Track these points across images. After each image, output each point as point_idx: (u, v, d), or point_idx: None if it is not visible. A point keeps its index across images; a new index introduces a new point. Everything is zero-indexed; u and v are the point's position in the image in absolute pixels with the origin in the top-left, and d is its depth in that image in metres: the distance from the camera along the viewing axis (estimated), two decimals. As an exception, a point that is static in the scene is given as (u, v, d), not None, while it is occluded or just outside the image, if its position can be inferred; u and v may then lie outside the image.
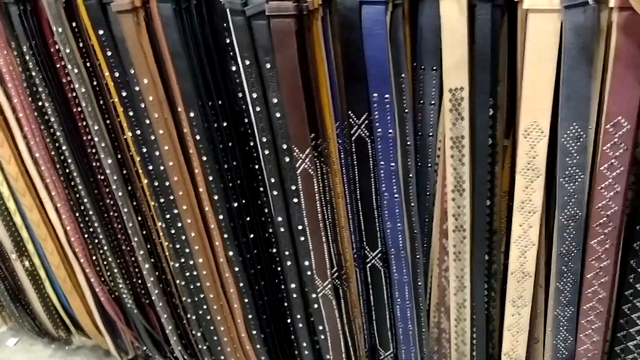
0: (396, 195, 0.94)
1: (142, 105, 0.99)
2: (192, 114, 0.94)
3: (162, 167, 1.03)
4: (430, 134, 0.91)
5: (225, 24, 0.88)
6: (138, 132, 1.03)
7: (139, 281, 1.33)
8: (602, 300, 0.87)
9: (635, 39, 0.67)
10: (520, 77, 0.77)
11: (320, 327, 1.13)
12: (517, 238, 0.89)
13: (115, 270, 1.31)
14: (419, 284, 1.05)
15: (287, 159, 0.92)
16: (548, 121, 0.77)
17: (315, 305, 1.09)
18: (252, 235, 1.09)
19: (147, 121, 1.00)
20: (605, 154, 0.75)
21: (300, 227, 0.99)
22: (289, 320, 1.20)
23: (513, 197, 0.87)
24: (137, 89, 0.97)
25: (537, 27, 0.72)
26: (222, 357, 1.30)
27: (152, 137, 1.01)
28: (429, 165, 0.94)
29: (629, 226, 0.82)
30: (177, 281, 1.22)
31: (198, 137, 0.96)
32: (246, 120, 0.97)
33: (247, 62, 0.86)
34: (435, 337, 1.13)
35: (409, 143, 0.91)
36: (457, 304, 1.02)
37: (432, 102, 0.88)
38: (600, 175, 0.77)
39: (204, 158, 0.98)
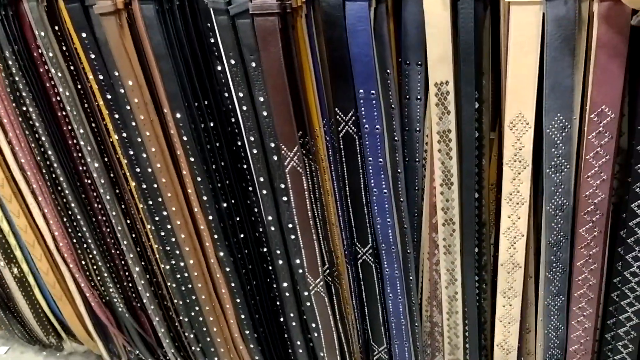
0: (385, 191, 0.95)
1: (128, 108, 0.98)
2: (178, 115, 0.93)
3: (149, 169, 1.03)
4: (417, 128, 0.91)
5: (209, 24, 0.87)
6: (124, 134, 1.02)
7: (130, 285, 1.32)
8: (592, 287, 0.88)
9: (616, 28, 0.67)
10: (504, 69, 0.78)
11: (314, 325, 1.13)
12: (506, 229, 0.89)
13: (105, 275, 1.30)
14: (410, 278, 1.05)
15: (275, 158, 0.92)
16: (533, 113, 0.78)
17: (308, 303, 1.09)
18: (242, 235, 1.08)
19: (133, 123, 0.99)
20: (590, 143, 0.76)
21: (290, 226, 0.99)
22: (281, 319, 1.20)
23: (500, 189, 0.87)
24: (122, 91, 0.97)
25: (520, 19, 0.73)
26: (216, 358, 1.30)
27: (139, 139, 1.00)
28: (417, 160, 0.94)
29: (615, 215, 0.83)
30: (168, 283, 1.22)
31: (185, 138, 0.95)
32: (233, 120, 0.96)
33: (232, 62, 0.86)
34: (427, 330, 1.14)
35: (396, 138, 0.91)
36: (448, 297, 1.03)
37: (418, 97, 0.88)
38: (586, 164, 0.78)
39: (192, 159, 0.98)
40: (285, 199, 0.96)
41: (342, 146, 0.93)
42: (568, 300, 0.91)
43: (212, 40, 0.89)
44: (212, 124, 0.96)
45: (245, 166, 1.01)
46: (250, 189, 1.03)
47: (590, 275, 0.87)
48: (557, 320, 0.95)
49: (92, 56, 0.96)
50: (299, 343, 1.19)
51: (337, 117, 0.90)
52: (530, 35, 0.73)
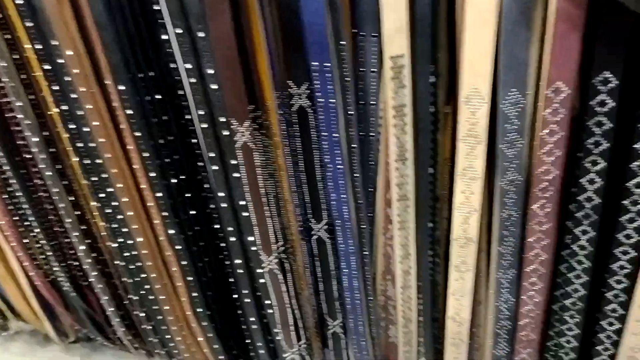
0: (340, 166, 0.93)
1: (68, 79, 0.92)
2: (121, 87, 0.88)
3: (92, 144, 0.97)
4: (372, 102, 0.89)
5: (153, -10, 0.82)
6: (64, 107, 0.96)
7: (75, 263, 1.27)
8: (544, 262, 0.89)
9: (575, 2, 0.67)
10: (460, 43, 0.77)
11: (268, 302, 1.12)
12: (460, 205, 0.89)
13: (49, 253, 1.25)
14: (365, 253, 1.05)
15: (226, 133, 0.88)
16: (488, 87, 0.77)
17: (262, 280, 1.08)
18: (193, 212, 1.05)
19: (74, 95, 0.93)
20: (545, 119, 0.76)
21: (242, 203, 0.96)
22: (235, 296, 1.18)
23: (455, 164, 0.87)
24: (60, 61, 0.90)
25: (477, -9, 0.71)
26: (168, 336, 1.27)
27: (80, 113, 0.95)
28: (372, 134, 0.93)
29: (565, 189, 0.84)
30: (116, 262, 1.18)
31: (130, 112, 0.90)
32: (181, 93, 0.92)
33: (179, 31, 0.81)
34: (382, 304, 1.14)
35: (351, 112, 0.89)
36: (402, 272, 1.03)
37: (373, 69, 0.86)
38: (541, 141, 0.78)
39: (138, 133, 0.93)
40: (236, 175, 0.93)
41: (295, 120, 0.91)
42: (519, 274, 0.93)
43: (157, 7, 0.83)
44: (158, 97, 0.91)
45: (195, 140, 0.97)
46: (201, 164, 1.00)
47: (542, 251, 0.88)
48: (508, 293, 0.97)
49: (28, 24, 0.89)
50: (252, 319, 1.17)
51: (290, 90, 0.87)
52: (487, 8, 0.71)
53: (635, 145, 0.73)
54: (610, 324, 0.92)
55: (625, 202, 0.78)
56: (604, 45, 0.68)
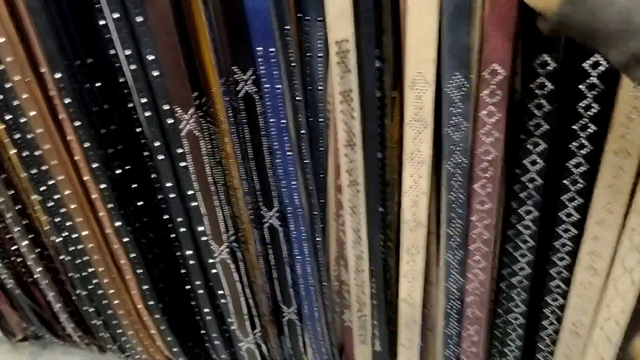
0: (289, 153, 0.92)
1: (1, 67, 0.88)
2: (58, 75, 0.85)
3: (30, 135, 0.94)
4: (320, 87, 0.88)
5: (87, -28, 0.79)
6: (-1, 97, 0.92)
7: (19, 259, 1.23)
8: (486, 241, 0.91)
9: (510, -15, 0.67)
10: (404, 28, 0.76)
11: (221, 292, 1.10)
12: (408, 188, 0.90)
13: (-9, 250, 1.20)
14: (317, 239, 1.04)
15: (170, 121, 0.86)
16: (433, 71, 0.77)
17: (214, 270, 1.06)
18: (140, 203, 1.02)
19: (8, 85, 0.89)
20: (483, 100, 0.76)
21: (190, 192, 0.94)
22: (188, 287, 1.17)
23: (403, 148, 0.87)
24: (-8, 48, 0.86)
25: (418, -24, 0.71)
26: (119, 331, 1.25)
27: (16, 102, 0.91)
28: (321, 119, 0.92)
29: (509, 170, 0.86)
30: (61, 257, 1.14)
31: (68, 100, 0.87)
32: (123, 80, 0.89)
33: (116, 16, 0.78)
34: (336, 289, 1.15)
35: (298, 98, 0.88)
36: (355, 256, 1.04)
37: (320, 54, 0.85)
38: (480, 122, 0.79)
39: (77, 123, 0.90)
40: (183, 164, 0.91)
41: (242, 107, 0.89)
42: (466, 254, 0.94)
43: (93, -9, 0.80)
44: (98, 84, 0.88)
45: (139, 130, 0.94)
46: (146, 153, 0.97)
47: (484, 230, 0.89)
48: (457, 274, 0.98)
49: (-46, 10, 0.84)
50: (206, 310, 1.16)
51: (236, 76, 0.86)
52: (429, -7, 0.71)
53: (573, 127, 0.75)
54: (555, 300, 0.95)
55: (565, 181, 0.81)
56: (542, 28, 0.69)
